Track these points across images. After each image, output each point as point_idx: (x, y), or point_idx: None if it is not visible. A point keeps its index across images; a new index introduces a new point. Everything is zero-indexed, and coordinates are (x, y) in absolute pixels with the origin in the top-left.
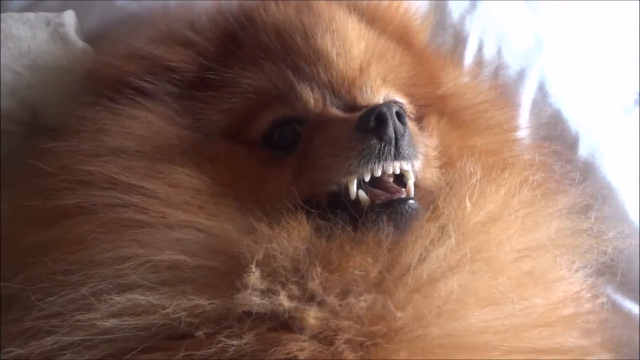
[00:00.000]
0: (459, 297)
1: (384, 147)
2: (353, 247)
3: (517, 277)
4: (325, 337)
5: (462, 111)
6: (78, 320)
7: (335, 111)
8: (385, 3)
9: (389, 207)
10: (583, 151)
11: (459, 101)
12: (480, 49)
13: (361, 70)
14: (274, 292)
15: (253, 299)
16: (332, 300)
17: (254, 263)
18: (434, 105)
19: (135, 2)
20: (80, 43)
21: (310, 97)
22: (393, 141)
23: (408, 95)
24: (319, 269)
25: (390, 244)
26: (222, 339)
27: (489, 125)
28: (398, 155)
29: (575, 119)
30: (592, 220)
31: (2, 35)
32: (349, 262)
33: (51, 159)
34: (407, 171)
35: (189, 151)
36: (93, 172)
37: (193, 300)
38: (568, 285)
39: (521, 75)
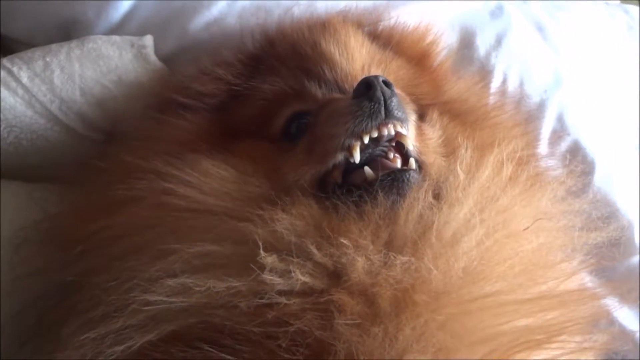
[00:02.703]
0: (479, 257)
1: (374, 106)
2: (356, 218)
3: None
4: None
5: (465, 114)
6: (139, 302)
7: (337, 95)
8: (406, 30)
9: (391, 175)
10: (598, 178)
11: (462, 105)
12: (504, 81)
13: (363, 69)
14: (289, 270)
15: (274, 280)
16: (360, 265)
17: (261, 246)
18: (437, 106)
19: (205, 31)
20: (158, 63)
21: (318, 91)
22: (382, 101)
23: (409, 94)
24: (323, 242)
25: (392, 209)
26: (269, 311)
27: (493, 124)
28: (389, 115)
29: (592, 148)
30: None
31: (94, 54)
32: (351, 232)
33: (111, 158)
34: (403, 135)
35: (217, 149)
36: (142, 166)
37: (227, 281)
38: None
39: (541, 106)
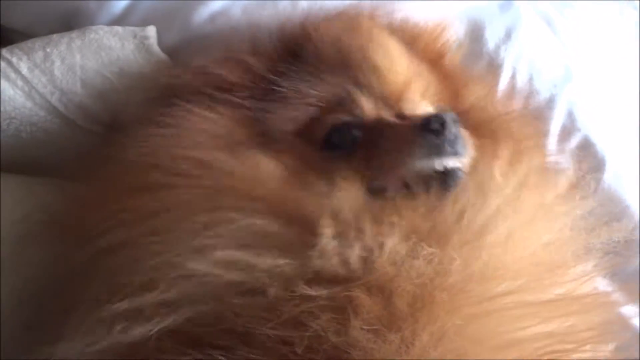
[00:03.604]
0: (504, 246)
1: (443, 144)
2: (406, 203)
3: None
4: (382, 291)
5: (484, 125)
6: (179, 272)
7: (390, 117)
8: (421, 28)
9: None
10: (608, 175)
11: (480, 114)
12: (513, 76)
13: (405, 84)
14: (343, 249)
15: (326, 255)
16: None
17: (321, 223)
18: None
19: (210, 24)
20: (161, 55)
21: (366, 104)
22: (450, 141)
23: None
24: (372, 224)
25: (438, 199)
26: (293, 306)
27: (511, 135)
28: (454, 153)
29: (603, 144)
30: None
31: (95, 45)
32: (400, 216)
33: (134, 147)
34: (460, 167)
35: (258, 145)
36: (181, 155)
37: (273, 258)
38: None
39: (550, 102)
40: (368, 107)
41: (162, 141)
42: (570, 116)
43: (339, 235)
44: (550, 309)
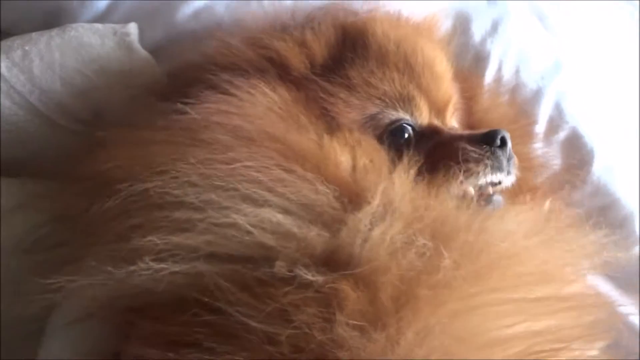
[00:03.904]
0: (506, 259)
1: (502, 161)
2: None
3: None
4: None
5: None
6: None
7: (442, 125)
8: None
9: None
10: (598, 167)
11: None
12: (499, 69)
13: (451, 96)
14: (372, 226)
15: (354, 230)
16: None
17: (373, 194)
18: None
19: (194, 21)
20: (143, 52)
21: (425, 109)
22: (508, 159)
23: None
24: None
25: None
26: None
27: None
28: (509, 171)
29: (592, 136)
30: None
31: (75, 42)
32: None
33: (200, 106)
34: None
35: (320, 128)
36: (243, 122)
37: (307, 228)
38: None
39: (538, 94)
40: (425, 112)
41: (228, 107)
42: (558, 108)
43: (377, 214)
44: (537, 307)
